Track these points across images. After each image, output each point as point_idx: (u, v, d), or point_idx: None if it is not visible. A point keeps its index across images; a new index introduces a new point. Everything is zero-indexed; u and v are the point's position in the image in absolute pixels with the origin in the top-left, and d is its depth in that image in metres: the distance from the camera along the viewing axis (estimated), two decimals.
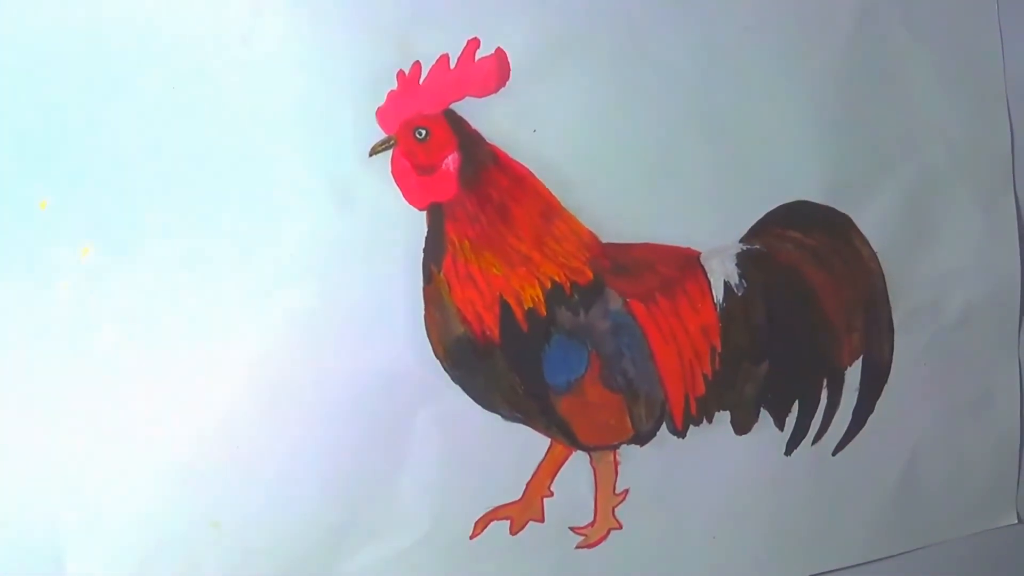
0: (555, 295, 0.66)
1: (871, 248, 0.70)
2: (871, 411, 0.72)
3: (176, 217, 0.63)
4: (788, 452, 0.72)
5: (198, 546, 0.66)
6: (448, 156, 0.65)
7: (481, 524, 0.69)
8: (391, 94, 0.63)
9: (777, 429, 0.71)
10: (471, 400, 0.67)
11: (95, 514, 0.65)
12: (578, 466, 0.69)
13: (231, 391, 0.65)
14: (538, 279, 0.66)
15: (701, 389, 0.68)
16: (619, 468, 0.70)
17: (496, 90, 0.64)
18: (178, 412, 0.64)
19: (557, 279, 0.66)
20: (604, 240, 0.67)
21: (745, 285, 0.68)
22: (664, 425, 0.69)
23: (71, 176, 0.62)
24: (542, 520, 0.70)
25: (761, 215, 0.69)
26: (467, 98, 0.64)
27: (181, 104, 0.62)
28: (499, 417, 0.68)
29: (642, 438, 0.69)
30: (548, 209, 0.66)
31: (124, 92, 0.62)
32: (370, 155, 0.64)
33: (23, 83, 0.61)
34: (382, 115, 0.64)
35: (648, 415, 0.68)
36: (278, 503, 0.66)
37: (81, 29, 0.61)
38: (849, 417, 0.72)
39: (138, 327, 0.64)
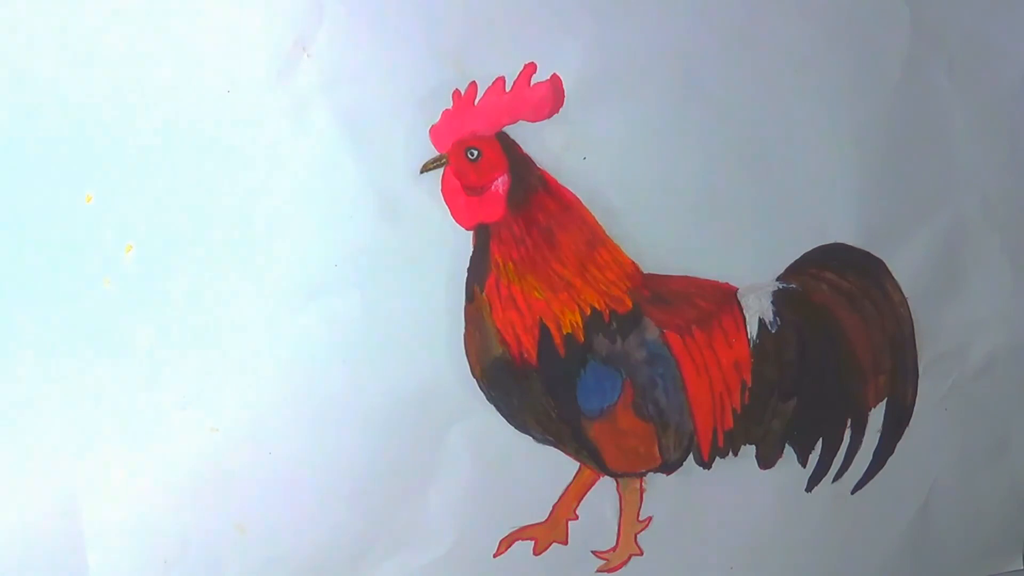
0: (594, 322, 0.67)
1: (902, 293, 0.71)
2: (891, 452, 0.73)
3: (220, 221, 0.63)
4: (809, 488, 0.73)
5: (222, 550, 0.66)
6: (498, 178, 0.65)
7: (505, 543, 0.70)
8: (445, 113, 0.64)
9: (800, 465, 0.72)
10: (504, 420, 0.68)
11: (119, 513, 0.65)
12: (604, 491, 0.70)
13: (265, 396, 0.65)
14: (578, 305, 0.66)
15: (730, 422, 0.69)
16: (644, 496, 0.70)
17: (549, 115, 0.65)
18: (210, 414, 0.65)
19: (597, 306, 0.67)
20: (645, 270, 0.68)
21: (779, 322, 0.69)
22: (691, 456, 0.70)
23: (116, 173, 0.62)
24: (566, 542, 0.70)
25: (799, 255, 0.70)
26: (520, 122, 0.65)
27: (232, 109, 0.62)
28: (530, 438, 0.68)
29: (669, 467, 0.70)
30: (593, 237, 0.66)
31: (175, 95, 0.62)
32: (421, 172, 0.64)
33: (74, 77, 0.61)
34: (435, 133, 0.64)
35: (676, 445, 0.69)
36: (305, 510, 0.67)
37: (136, 31, 0.61)
38: (870, 457, 0.73)
39: (176, 328, 0.64)
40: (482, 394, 0.67)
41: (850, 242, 0.70)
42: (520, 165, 0.65)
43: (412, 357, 0.66)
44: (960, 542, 0.77)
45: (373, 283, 0.65)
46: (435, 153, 0.64)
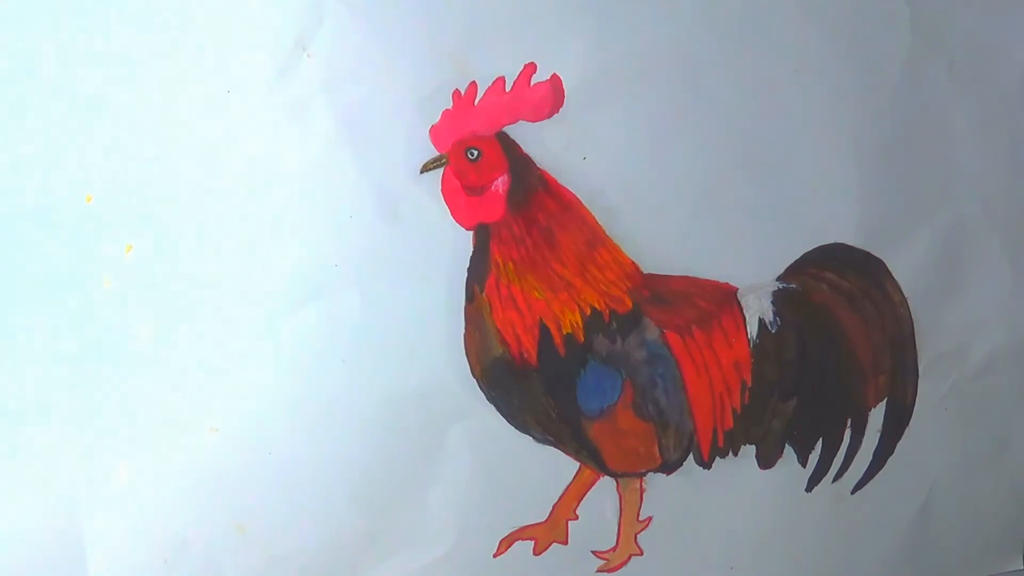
0: (594, 322, 0.67)
1: (902, 293, 0.71)
2: (891, 452, 0.73)
3: (220, 221, 0.63)
4: (809, 488, 0.73)
5: (222, 550, 0.66)
6: (498, 178, 0.65)
7: (505, 543, 0.70)
8: (446, 113, 0.64)
9: (800, 465, 0.72)
10: (504, 420, 0.68)
11: (119, 513, 0.65)
12: (604, 491, 0.70)
13: (265, 396, 0.65)
14: (578, 305, 0.66)
15: (729, 422, 0.69)
16: (644, 496, 0.70)
17: (549, 115, 0.65)
18: (210, 414, 0.65)
19: (597, 306, 0.67)
20: (645, 270, 0.68)
21: (779, 322, 0.69)
22: (691, 456, 0.70)
23: (116, 173, 0.62)
24: (566, 542, 0.70)
25: (799, 255, 0.70)
26: (520, 122, 0.65)
27: (232, 109, 0.62)
28: (530, 439, 0.68)
29: (669, 467, 0.70)
30: (593, 237, 0.66)
31: (175, 95, 0.62)
32: (421, 172, 0.64)
33: (74, 77, 0.61)
34: (435, 133, 0.64)
35: (676, 445, 0.69)
36: (305, 511, 0.67)
37: (136, 30, 0.61)
38: (870, 457, 0.73)
39: (176, 328, 0.64)
40: (482, 394, 0.67)
41: (850, 242, 0.70)
42: (520, 165, 0.65)
43: (412, 357, 0.66)
44: (960, 542, 0.77)
45: (373, 283, 0.65)
46: (435, 153, 0.64)
